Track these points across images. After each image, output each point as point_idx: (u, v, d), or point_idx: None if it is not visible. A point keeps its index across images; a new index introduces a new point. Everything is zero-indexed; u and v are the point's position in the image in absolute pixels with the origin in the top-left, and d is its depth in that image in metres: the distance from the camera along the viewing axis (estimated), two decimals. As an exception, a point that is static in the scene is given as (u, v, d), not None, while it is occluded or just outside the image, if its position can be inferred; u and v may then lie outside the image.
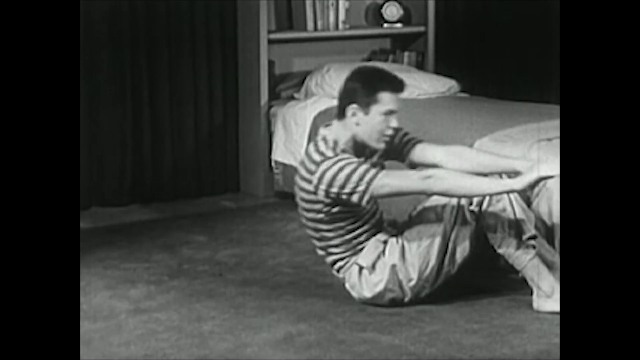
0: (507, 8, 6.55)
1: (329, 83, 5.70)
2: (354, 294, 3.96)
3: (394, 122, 3.89)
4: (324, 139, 3.88)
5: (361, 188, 3.73)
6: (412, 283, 3.89)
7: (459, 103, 5.55)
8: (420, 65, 6.24)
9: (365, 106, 3.84)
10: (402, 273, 3.89)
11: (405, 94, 5.59)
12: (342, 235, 3.92)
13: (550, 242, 4.12)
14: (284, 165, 5.66)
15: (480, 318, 3.81)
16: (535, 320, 3.77)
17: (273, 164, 5.75)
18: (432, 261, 3.87)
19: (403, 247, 3.90)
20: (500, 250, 3.85)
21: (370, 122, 3.85)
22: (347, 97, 3.88)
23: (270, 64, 5.86)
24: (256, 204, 5.71)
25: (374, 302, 3.93)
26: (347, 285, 3.97)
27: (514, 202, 3.82)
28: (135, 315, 3.87)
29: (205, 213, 5.52)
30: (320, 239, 3.95)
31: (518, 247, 3.82)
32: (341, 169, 3.76)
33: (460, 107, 5.37)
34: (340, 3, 6.04)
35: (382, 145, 3.91)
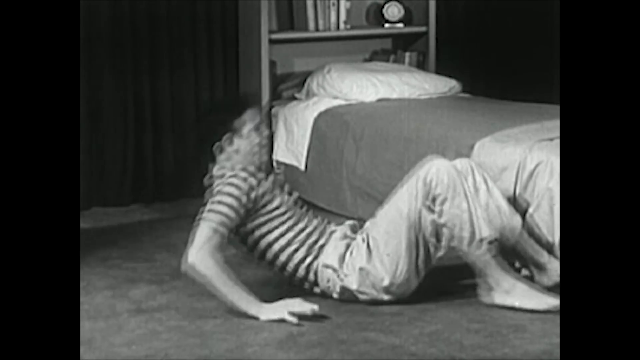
0: (508, 8, 6.55)
1: (331, 83, 5.70)
2: (335, 294, 3.98)
3: (265, 131, 4.04)
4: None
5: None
6: (386, 282, 3.90)
7: (460, 103, 5.55)
8: (422, 66, 6.24)
9: (238, 131, 3.97)
10: (372, 275, 3.90)
11: (406, 94, 5.67)
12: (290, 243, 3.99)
13: (551, 244, 4.13)
14: (286, 165, 5.66)
15: (482, 318, 3.81)
16: (537, 320, 3.77)
17: (275, 164, 5.75)
18: (403, 259, 3.87)
19: (369, 247, 3.92)
20: (452, 244, 3.87)
21: (248, 142, 3.98)
22: (217, 131, 4.00)
23: (272, 64, 5.86)
24: (257, 204, 5.70)
25: (353, 299, 3.96)
26: (321, 287, 4.00)
27: (471, 202, 3.84)
28: (136, 315, 3.88)
29: (207, 213, 5.51)
30: (274, 254, 4.01)
31: (470, 244, 3.83)
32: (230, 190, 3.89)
33: (461, 107, 5.37)
34: (342, 3, 6.04)
35: (266, 157, 4.03)
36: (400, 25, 6.26)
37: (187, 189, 5.82)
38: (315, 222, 4.07)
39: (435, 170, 3.85)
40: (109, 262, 4.56)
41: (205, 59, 5.85)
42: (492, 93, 5.94)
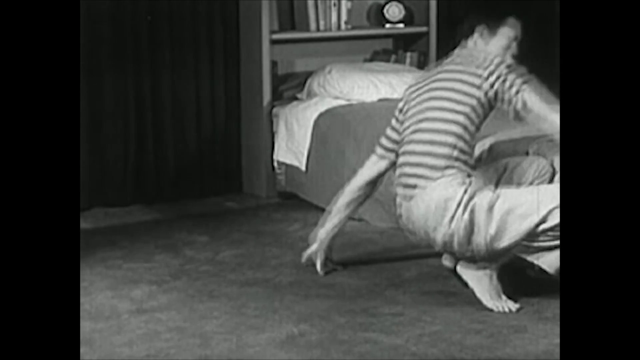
0: (509, 9, 6.54)
1: (331, 83, 5.70)
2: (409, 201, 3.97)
3: (514, 50, 4.21)
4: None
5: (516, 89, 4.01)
6: (492, 231, 3.81)
7: (461, 103, 5.54)
8: (422, 66, 6.23)
9: (494, 28, 4.18)
10: (477, 218, 3.81)
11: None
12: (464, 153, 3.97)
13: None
14: (286, 165, 5.67)
15: (483, 318, 3.81)
16: (538, 321, 3.77)
17: (275, 164, 5.76)
18: (507, 237, 3.81)
19: (493, 207, 3.82)
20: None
21: (496, 43, 4.18)
22: (476, 19, 4.24)
23: (273, 64, 5.86)
24: (258, 205, 5.71)
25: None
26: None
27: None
28: (137, 316, 3.88)
29: (208, 213, 5.52)
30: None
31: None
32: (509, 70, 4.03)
33: (462, 108, 5.36)
34: (343, 3, 6.05)
35: (504, 59, 4.10)
36: (401, 25, 6.26)
37: (187, 190, 5.83)
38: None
39: None
40: (109, 263, 4.56)
41: (206, 59, 5.85)
42: (493, 93, 5.93)
